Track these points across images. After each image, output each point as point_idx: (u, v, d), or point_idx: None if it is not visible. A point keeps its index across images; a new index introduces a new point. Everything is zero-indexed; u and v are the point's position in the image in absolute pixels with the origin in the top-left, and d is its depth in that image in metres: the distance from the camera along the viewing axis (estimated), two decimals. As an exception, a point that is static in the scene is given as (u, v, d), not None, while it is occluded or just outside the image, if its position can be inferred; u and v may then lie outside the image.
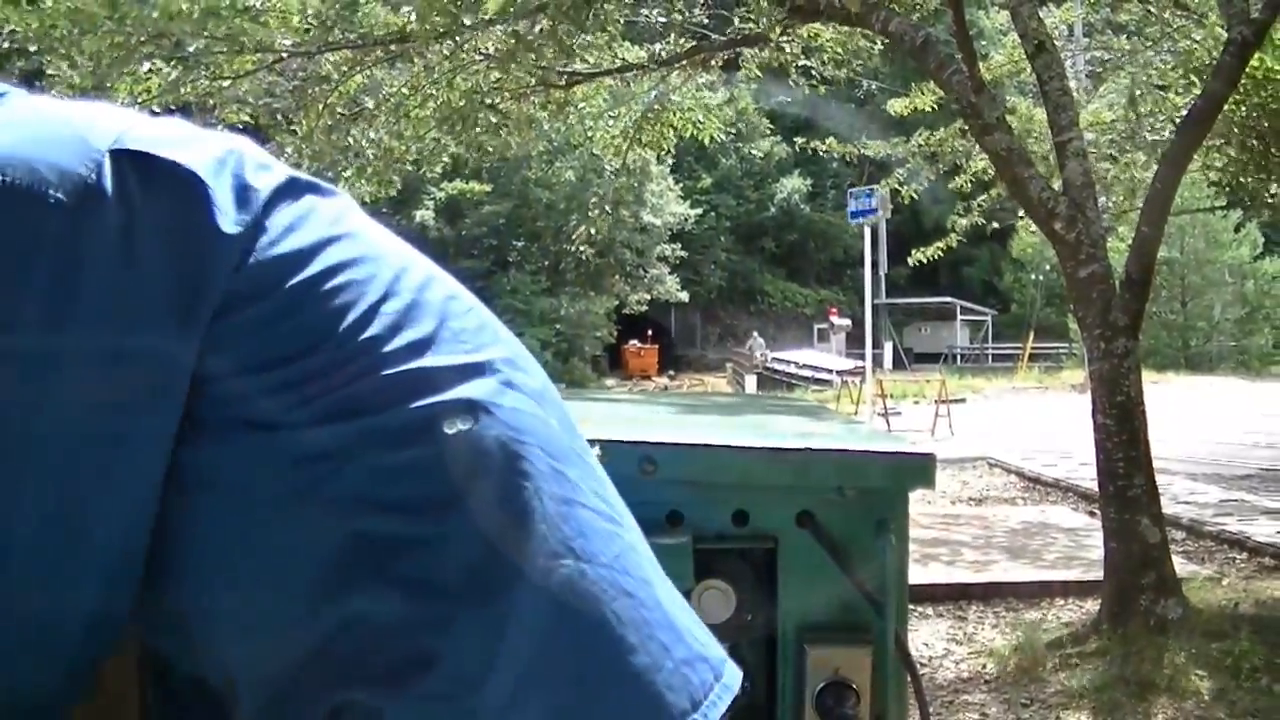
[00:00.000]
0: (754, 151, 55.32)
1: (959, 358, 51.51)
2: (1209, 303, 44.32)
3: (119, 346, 0.78)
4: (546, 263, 42.73)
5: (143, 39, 8.55)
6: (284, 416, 0.81)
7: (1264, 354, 44.71)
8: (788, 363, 39.60)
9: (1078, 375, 36.02)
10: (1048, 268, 52.80)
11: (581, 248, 36.48)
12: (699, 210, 48.31)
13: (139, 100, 9.28)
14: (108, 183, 0.79)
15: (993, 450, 19.00)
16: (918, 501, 14.33)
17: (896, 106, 13.65)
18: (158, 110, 9.58)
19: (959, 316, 54.28)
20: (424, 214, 41.76)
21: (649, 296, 45.00)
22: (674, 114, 12.11)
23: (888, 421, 22.69)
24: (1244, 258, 44.23)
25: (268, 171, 0.87)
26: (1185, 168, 8.66)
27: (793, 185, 55.37)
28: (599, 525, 0.90)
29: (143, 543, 0.82)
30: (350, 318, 0.84)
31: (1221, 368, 41.55)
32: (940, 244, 15.07)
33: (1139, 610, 7.85)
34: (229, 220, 0.81)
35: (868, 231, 17.75)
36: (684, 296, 46.66)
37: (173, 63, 8.91)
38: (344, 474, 0.82)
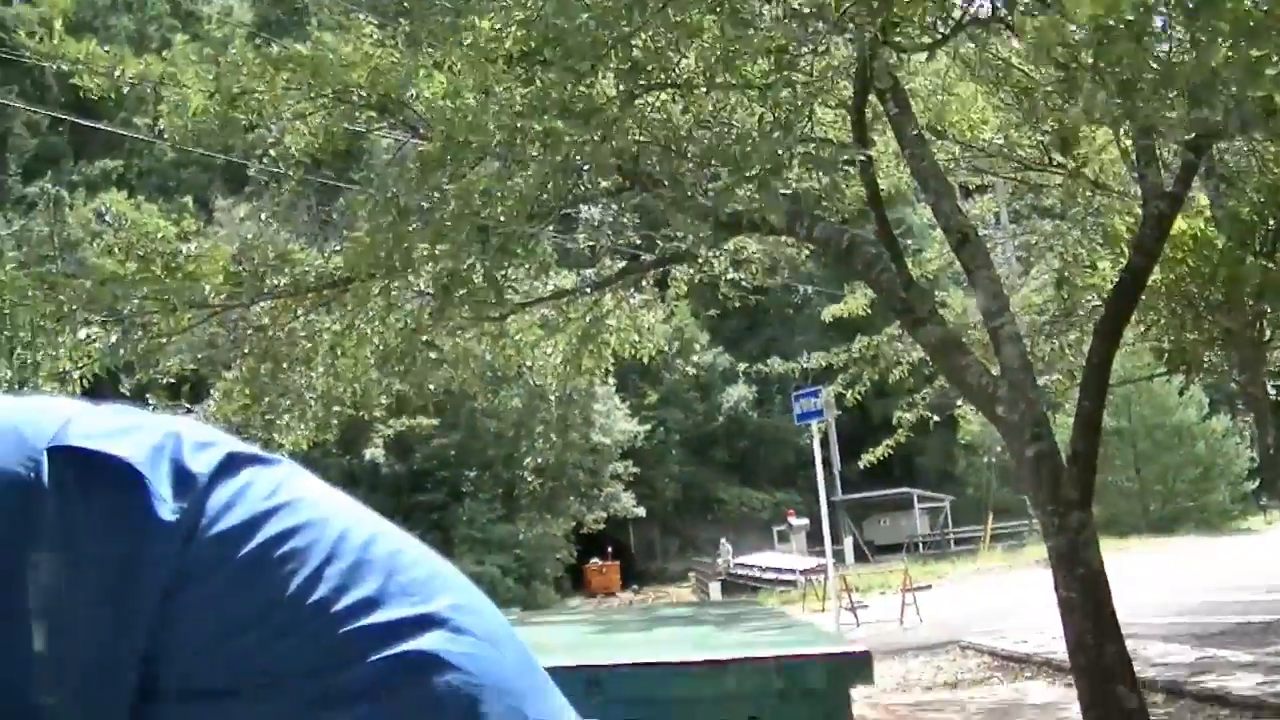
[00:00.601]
0: (696, 364, 55.84)
1: (920, 545, 51.35)
2: (1163, 467, 44.60)
3: (60, 646, 0.80)
4: (500, 490, 42.58)
5: (75, 306, 8.60)
6: (238, 684, 0.82)
7: (1223, 510, 44.92)
8: (750, 566, 39.40)
9: (1040, 551, 35.96)
10: (999, 448, 53.27)
11: (531, 476, 36.48)
12: (647, 426, 48.49)
13: (80, 365, 9.31)
14: (45, 481, 0.81)
15: (963, 633, 18.89)
16: (893, 691, 14.13)
17: (832, 312, 13.94)
18: (99, 374, 9.61)
19: (916, 505, 54.29)
20: (374, 451, 41.69)
21: (606, 514, 44.89)
22: (611, 335, 12.24)
23: (855, 615, 22.49)
24: (1191, 419, 44.79)
25: (206, 450, 0.88)
26: (1118, 340, 8.82)
27: (739, 393, 55.84)
28: None
29: None
30: (295, 583, 0.84)
31: (1182, 528, 41.61)
32: (889, 441, 15.33)
33: (1124, 782, 7.73)
34: (167, 508, 0.83)
35: (816, 433, 17.79)
36: (640, 511, 46.53)
37: (109, 326, 8.95)
38: None
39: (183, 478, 0.85)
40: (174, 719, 0.81)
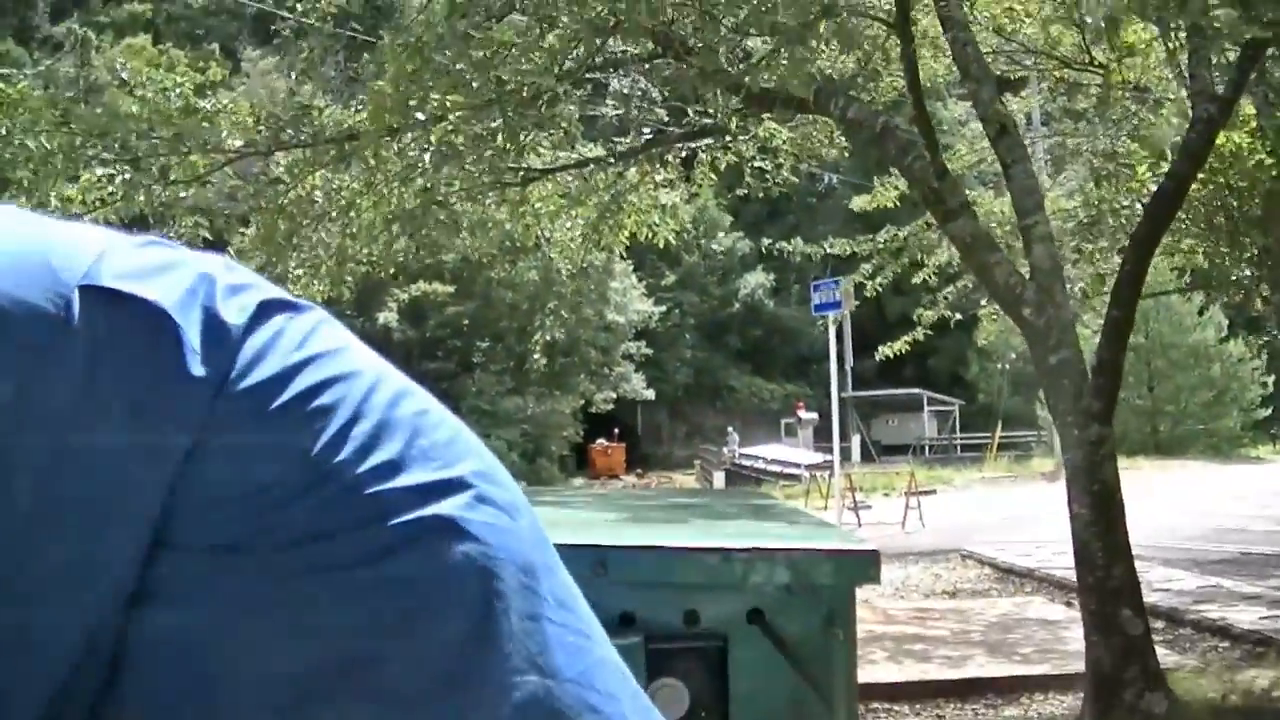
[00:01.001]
0: (716, 248, 55.50)
1: (927, 449, 51.38)
2: (1176, 387, 44.30)
3: (84, 485, 0.78)
4: (511, 363, 42.51)
5: (86, 141, 8.34)
6: (253, 542, 0.80)
7: (1233, 436, 44.67)
8: (755, 458, 39.30)
9: (1047, 464, 35.93)
10: (1014, 355, 53.01)
11: (539, 353, 36.38)
12: (663, 307, 48.24)
13: (93, 208, 9.08)
14: (75, 322, 0.79)
15: (965, 542, 18.73)
16: (889, 597, 13.98)
17: (859, 203, 13.59)
18: (113, 222, 9.39)
19: (926, 408, 54.22)
20: (387, 316, 41.61)
21: (615, 395, 44.85)
22: (629, 215, 11.95)
23: (857, 515, 22.34)
24: (1209, 340, 44.35)
25: (239, 295, 0.86)
26: (1154, 248, 8.56)
27: (756, 281, 55.51)
28: (566, 639, 0.90)
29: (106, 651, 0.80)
30: (320, 443, 0.83)
31: (1191, 451, 41.46)
32: (907, 338, 14.99)
33: (1123, 705, 7.62)
34: (197, 360, 0.80)
35: (832, 325, 17.43)
36: (650, 394, 46.50)
37: (120, 166, 8.69)
38: (313, 596, 0.81)
39: (214, 327, 0.82)
40: (184, 569, 0.79)
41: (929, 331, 14.87)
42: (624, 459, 46.72)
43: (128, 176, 8.64)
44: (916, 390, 52.97)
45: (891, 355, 15.08)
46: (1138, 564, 14.95)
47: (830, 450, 41.93)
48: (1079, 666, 9.58)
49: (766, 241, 15.74)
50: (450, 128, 8.55)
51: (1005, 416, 47.17)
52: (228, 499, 0.80)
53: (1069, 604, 12.40)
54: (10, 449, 0.76)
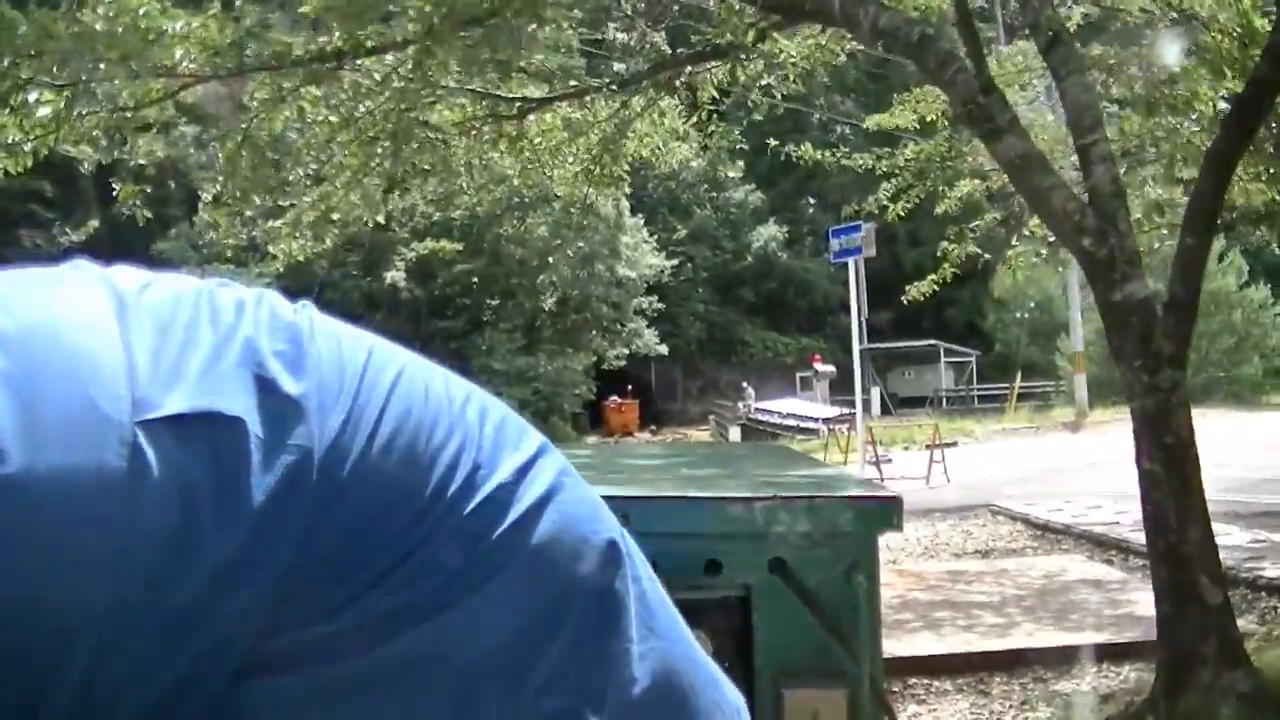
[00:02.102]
0: (729, 199, 54.63)
1: (944, 400, 50.58)
2: (1196, 334, 43.07)
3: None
4: (521, 321, 41.65)
5: (16, 61, 7.31)
6: (376, 577, 0.83)
7: (1255, 383, 43.55)
8: (770, 413, 38.47)
9: (1068, 413, 35.02)
10: (1032, 305, 52.13)
11: (550, 304, 35.32)
12: (674, 261, 47.25)
13: (33, 136, 8.09)
14: (153, 462, 0.76)
15: (993, 497, 17.91)
16: (920, 557, 13.08)
17: (875, 120, 12.57)
18: (55, 150, 8.44)
19: (943, 359, 53.40)
20: (395, 275, 40.82)
21: (627, 351, 43.88)
22: (633, 140, 10.91)
23: (879, 469, 21.41)
24: (1230, 286, 43.15)
25: (281, 344, 0.86)
26: (1235, 165, 7.54)
27: (769, 233, 54.55)
28: (660, 598, 1.01)
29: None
30: (415, 472, 0.86)
31: (1212, 400, 40.36)
32: (934, 276, 13.95)
33: (1200, 684, 6.66)
34: (265, 446, 0.80)
35: (852, 270, 16.25)
36: (663, 350, 45.48)
37: (64, 91, 7.68)
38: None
39: (280, 406, 0.82)
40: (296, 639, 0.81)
41: (955, 271, 13.77)
42: (638, 416, 45.81)
43: (64, 104, 7.65)
44: (933, 342, 52.12)
45: (921, 297, 14.01)
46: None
47: (845, 404, 41.33)
48: (1134, 634, 8.72)
49: (773, 143, 14.27)
50: (430, 41, 7.52)
51: (1023, 366, 46.19)
52: (345, 552, 0.81)
53: (1110, 562, 11.78)
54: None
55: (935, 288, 14.05)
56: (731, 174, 48.80)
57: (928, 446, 24.60)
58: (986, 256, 14.31)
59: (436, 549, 0.82)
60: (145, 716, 0.75)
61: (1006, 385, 46.26)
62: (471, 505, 0.85)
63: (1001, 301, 54.28)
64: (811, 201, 61.45)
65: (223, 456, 0.76)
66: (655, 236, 46.25)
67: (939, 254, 13.86)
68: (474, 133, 9.99)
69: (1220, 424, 31.86)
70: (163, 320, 0.81)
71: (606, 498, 1.37)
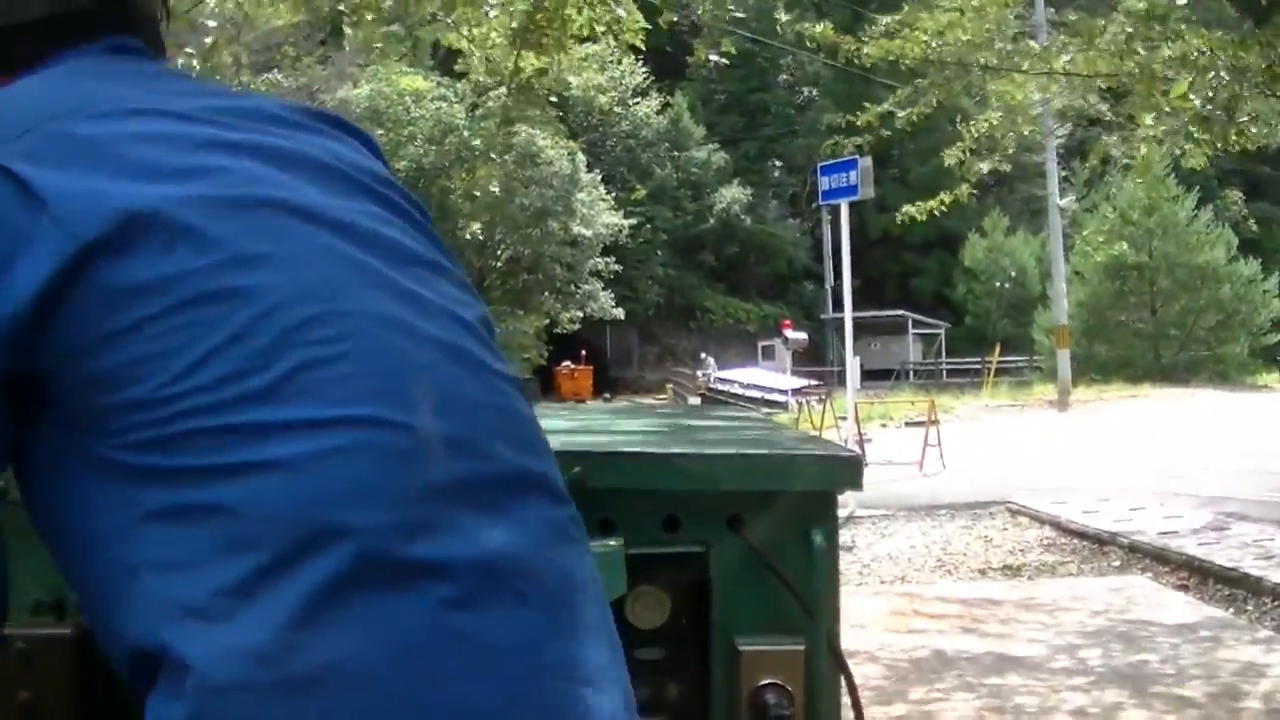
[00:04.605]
0: (692, 158, 53.40)
1: (911, 373, 49.69)
2: (1182, 310, 42.08)
3: None
4: (469, 279, 40.11)
5: None
6: None
7: (1240, 363, 42.58)
8: (732, 382, 37.30)
9: (1048, 390, 33.89)
10: (1014, 274, 51.18)
11: (500, 263, 33.75)
12: (633, 221, 45.96)
13: None
14: None
15: (999, 487, 15.41)
16: (933, 572, 10.70)
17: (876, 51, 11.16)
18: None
19: (911, 330, 52.37)
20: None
21: (582, 314, 42.75)
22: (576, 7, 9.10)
23: (863, 449, 18.04)
24: (1218, 260, 42.12)
25: None
26: None
27: (732, 195, 53.66)
28: None
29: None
30: None
31: (1197, 379, 39.35)
32: (946, 195, 12.56)
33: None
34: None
35: (845, 215, 14.39)
36: (619, 314, 44.38)
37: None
38: None
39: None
40: None
41: (961, 201, 12.46)
42: (591, 383, 44.89)
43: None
44: (901, 312, 51.33)
45: (918, 216, 12.53)
46: (1213, 511, 12.01)
47: (810, 375, 40.21)
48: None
49: (785, 19, 12.76)
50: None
51: (996, 340, 45.11)
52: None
53: (1185, 588, 9.24)
54: None
55: (944, 208, 12.66)
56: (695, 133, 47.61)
57: (907, 424, 23.11)
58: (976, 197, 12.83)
59: None
60: None
61: (978, 359, 45.58)
62: None
63: (971, 271, 53.36)
64: (777, 164, 60.50)
65: None
66: (613, 195, 45.09)
67: (957, 171, 12.46)
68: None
69: (1215, 405, 30.75)
70: None
71: (563, 454, 1.56)
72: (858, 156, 13.37)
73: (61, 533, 1.22)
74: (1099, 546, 11.43)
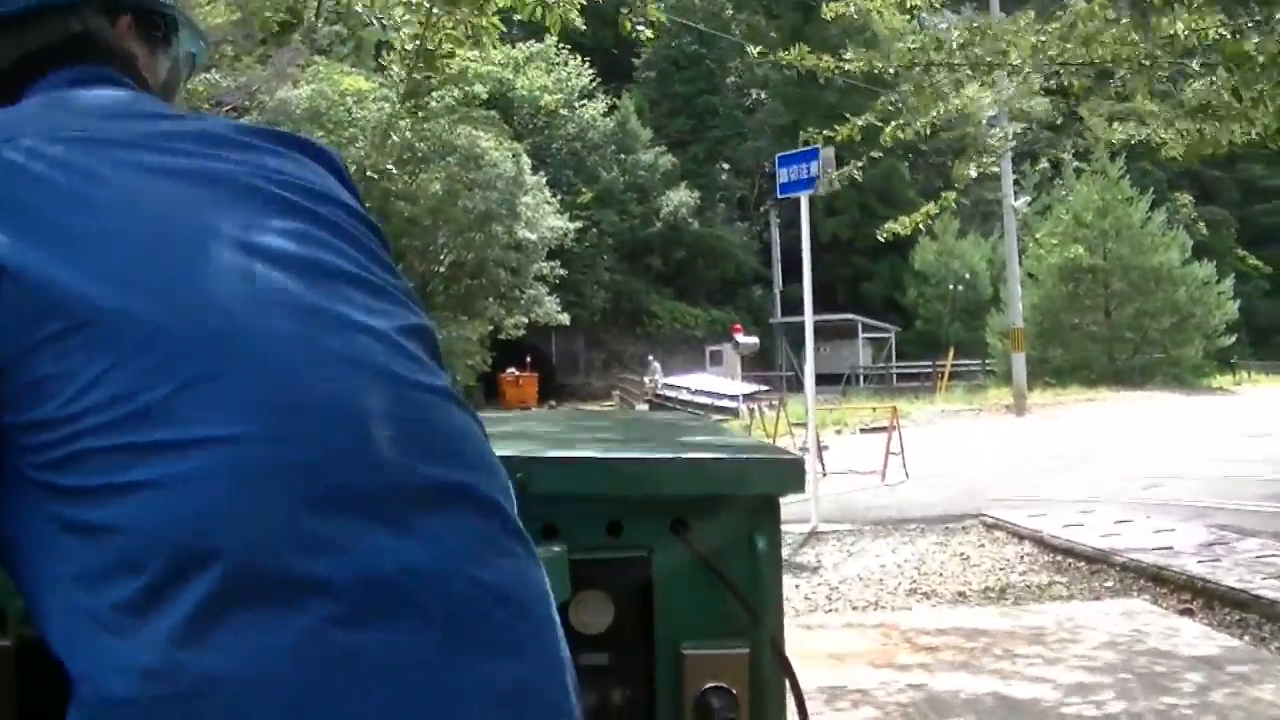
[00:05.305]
0: (638, 161, 53.00)
1: (861, 378, 49.46)
2: (1136, 312, 41.92)
3: None
4: (411, 284, 39.27)
5: None
6: None
7: (1195, 365, 42.51)
8: (680, 388, 36.81)
9: (1003, 394, 33.56)
10: (968, 275, 50.99)
11: (443, 268, 33.06)
12: (578, 224, 45.38)
13: None
14: None
15: (971, 499, 14.65)
16: (911, 595, 9.28)
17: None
18: None
19: (861, 334, 52.11)
20: (274, 233, 38.35)
21: (527, 320, 42.19)
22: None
23: (822, 461, 16.36)
24: (1173, 262, 42.04)
25: None
26: None
27: (679, 198, 53.34)
28: None
29: None
30: None
31: (1152, 382, 39.17)
32: (929, 208, 12.17)
33: None
34: None
35: (805, 209, 13.46)
36: (565, 319, 43.82)
37: None
38: None
39: None
40: None
41: (949, 205, 12.08)
42: (536, 390, 44.77)
43: None
44: (850, 316, 51.12)
45: (902, 231, 12.23)
46: (1206, 524, 11.38)
47: (758, 380, 39.70)
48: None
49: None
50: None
51: (947, 344, 44.89)
52: None
53: (1189, 612, 8.48)
54: None
55: (930, 219, 12.35)
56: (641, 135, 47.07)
57: (862, 430, 22.57)
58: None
59: None
60: None
61: (929, 363, 45.56)
62: None
63: (922, 275, 53.21)
64: (725, 167, 60.21)
65: None
66: (559, 199, 44.52)
67: (951, 166, 12.10)
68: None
69: (1175, 408, 30.66)
70: None
71: (505, 458, 1.53)
72: (818, 146, 12.70)
73: (4, 548, 1.26)
74: (1087, 565, 10.54)
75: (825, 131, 11.75)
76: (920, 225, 12.70)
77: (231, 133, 1.46)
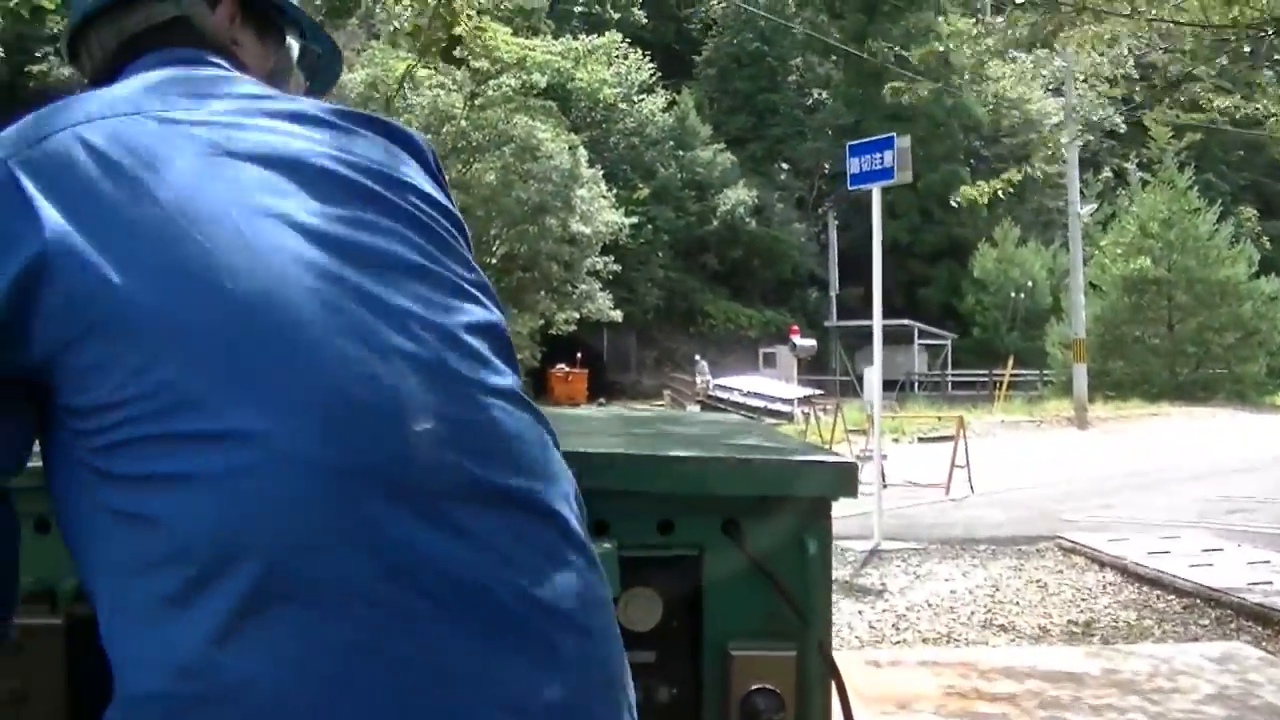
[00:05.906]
0: (697, 158, 52.56)
1: (916, 385, 48.63)
2: (1200, 326, 41.01)
3: None
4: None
5: None
6: None
7: (1258, 382, 41.52)
8: (732, 390, 36.38)
9: (1063, 406, 32.77)
10: (1029, 284, 50.26)
11: (495, 260, 32.79)
12: (634, 220, 45.08)
13: None
14: None
15: (1044, 518, 13.85)
16: (986, 629, 8.52)
17: None
18: None
19: (917, 340, 51.39)
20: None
21: (578, 315, 42.00)
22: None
23: (883, 473, 14.28)
24: (1239, 276, 41.10)
25: None
26: None
27: (737, 197, 52.81)
28: None
29: None
30: None
31: (1216, 399, 38.27)
32: (1014, 173, 11.86)
33: None
34: None
35: (876, 201, 12.65)
36: (617, 316, 43.54)
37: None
38: None
39: None
40: None
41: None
42: (586, 386, 44.40)
43: None
44: (907, 321, 50.41)
45: (980, 199, 12.00)
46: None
47: (815, 384, 39.20)
48: None
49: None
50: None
51: (1004, 353, 44.23)
52: None
53: None
54: None
55: (1011, 188, 12.22)
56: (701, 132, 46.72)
57: (920, 439, 22.02)
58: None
59: None
60: None
61: (985, 371, 44.92)
62: None
63: (980, 282, 52.51)
64: (784, 166, 59.59)
65: None
66: (615, 194, 44.27)
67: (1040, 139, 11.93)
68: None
69: (1243, 425, 29.59)
70: None
71: (562, 454, 1.58)
72: (893, 135, 12.19)
73: (66, 531, 1.29)
74: (1178, 598, 9.69)
75: (895, 136, 11.54)
76: (989, 199, 12.45)
77: (319, 112, 1.45)
